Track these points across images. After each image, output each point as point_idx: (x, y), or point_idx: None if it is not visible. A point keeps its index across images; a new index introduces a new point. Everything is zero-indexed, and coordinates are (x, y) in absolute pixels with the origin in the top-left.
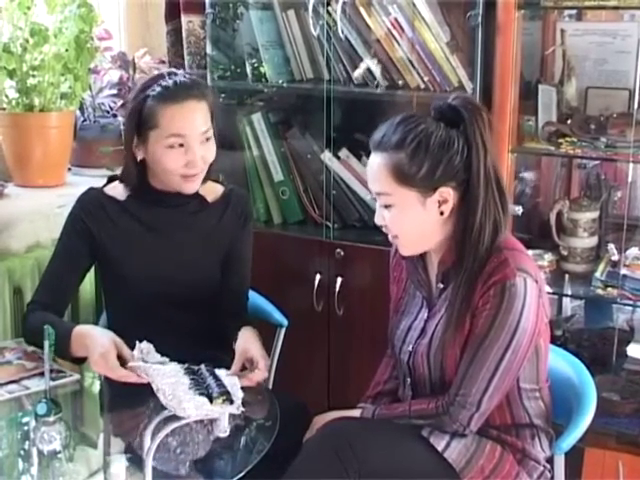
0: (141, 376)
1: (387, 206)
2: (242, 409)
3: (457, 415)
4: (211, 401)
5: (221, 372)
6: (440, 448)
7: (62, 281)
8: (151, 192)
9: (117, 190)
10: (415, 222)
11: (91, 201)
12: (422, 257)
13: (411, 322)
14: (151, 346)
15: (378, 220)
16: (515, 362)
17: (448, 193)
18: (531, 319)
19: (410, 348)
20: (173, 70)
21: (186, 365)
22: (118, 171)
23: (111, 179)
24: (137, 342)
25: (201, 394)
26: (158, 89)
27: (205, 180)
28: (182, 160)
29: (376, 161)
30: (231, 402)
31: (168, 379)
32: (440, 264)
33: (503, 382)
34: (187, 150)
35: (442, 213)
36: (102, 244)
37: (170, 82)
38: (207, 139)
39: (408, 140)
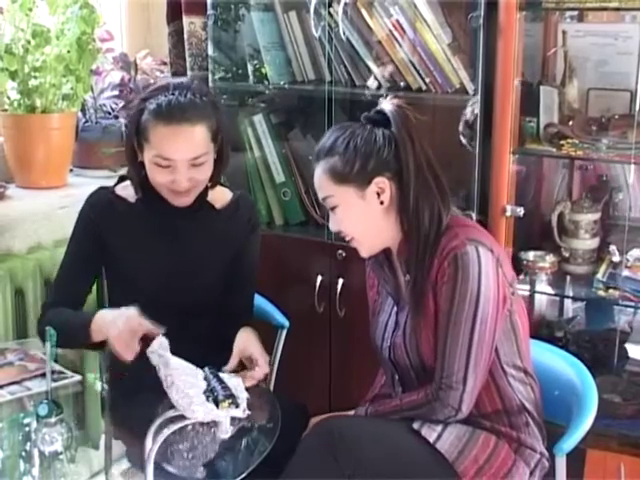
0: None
1: (333, 208)
2: (247, 412)
3: (447, 398)
4: (217, 405)
5: (224, 374)
6: (432, 440)
7: (75, 282)
8: (159, 199)
9: (128, 191)
10: (361, 216)
11: (100, 200)
12: (387, 257)
13: (386, 319)
14: (167, 343)
15: (332, 227)
16: (487, 332)
17: (383, 182)
18: (492, 286)
19: (388, 343)
20: (182, 82)
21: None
22: (120, 172)
23: (122, 178)
24: (160, 335)
25: (207, 397)
26: (154, 105)
27: (214, 186)
28: (168, 177)
29: (317, 171)
30: (237, 406)
31: (187, 376)
32: (399, 256)
33: (481, 354)
34: (173, 170)
35: (382, 203)
36: (110, 243)
37: (165, 100)
38: (200, 164)
39: (338, 143)
